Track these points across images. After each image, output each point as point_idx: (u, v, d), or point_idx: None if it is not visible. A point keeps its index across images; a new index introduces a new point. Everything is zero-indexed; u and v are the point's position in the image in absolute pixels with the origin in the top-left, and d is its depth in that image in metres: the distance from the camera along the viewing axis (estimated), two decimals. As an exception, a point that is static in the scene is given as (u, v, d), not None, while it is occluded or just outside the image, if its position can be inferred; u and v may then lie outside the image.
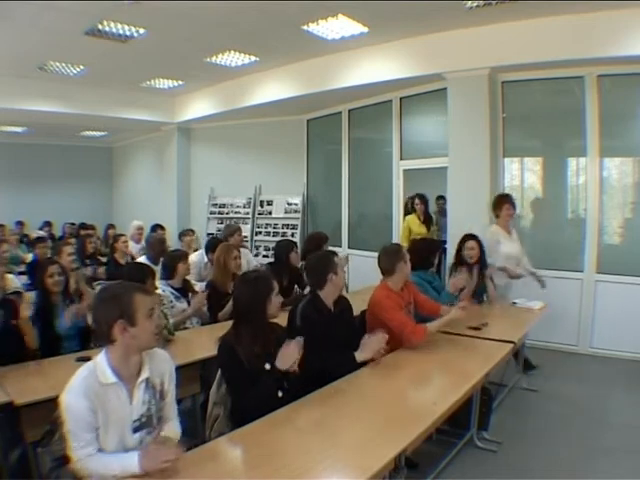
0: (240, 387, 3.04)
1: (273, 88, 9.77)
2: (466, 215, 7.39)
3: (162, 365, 2.65)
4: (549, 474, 4.14)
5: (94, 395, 2.32)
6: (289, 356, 3.13)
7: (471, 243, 5.87)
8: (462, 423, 4.51)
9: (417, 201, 8.41)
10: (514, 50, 7.10)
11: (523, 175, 8.07)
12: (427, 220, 8.42)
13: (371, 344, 3.66)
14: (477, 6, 6.44)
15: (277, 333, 3.36)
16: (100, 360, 2.44)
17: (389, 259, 4.46)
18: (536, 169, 8.09)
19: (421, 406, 3.17)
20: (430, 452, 4.21)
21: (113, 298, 2.44)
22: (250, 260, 7.15)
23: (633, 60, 6.67)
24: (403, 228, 8.35)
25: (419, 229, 7.98)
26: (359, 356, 3.62)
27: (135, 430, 2.47)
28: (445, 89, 7.87)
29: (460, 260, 5.86)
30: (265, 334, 3.22)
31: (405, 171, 9.04)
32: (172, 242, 9.78)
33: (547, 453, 4.47)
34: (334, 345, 3.66)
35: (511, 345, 4.38)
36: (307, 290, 4.95)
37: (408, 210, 8.59)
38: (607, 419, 5.20)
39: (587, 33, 6.66)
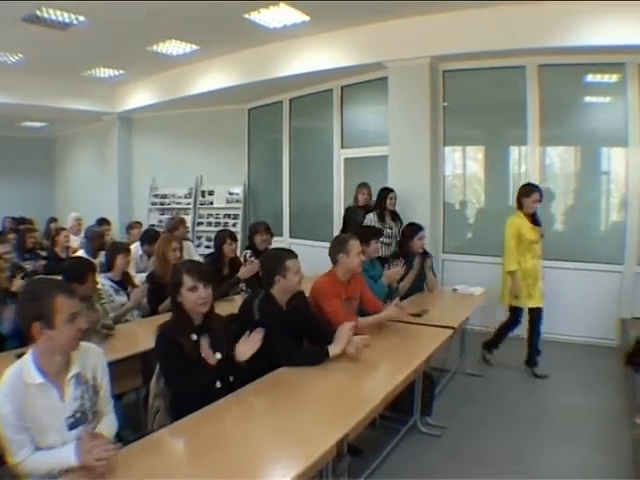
0: (176, 378, 3.00)
1: (215, 77, 9.72)
2: (406, 204, 7.43)
3: (93, 359, 2.62)
4: (492, 458, 4.20)
5: (19, 398, 2.28)
6: (248, 347, 3.15)
7: (423, 233, 5.95)
8: (405, 409, 4.55)
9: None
10: (455, 39, 7.17)
11: (465, 164, 8.17)
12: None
13: (343, 336, 3.60)
14: None
15: (216, 323, 3.33)
16: (27, 358, 2.40)
17: (333, 249, 4.46)
18: (478, 158, 8.21)
19: (362, 393, 3.17)
20: (374, 439, 4.25)
21: (33, 298, 2.40)
22: (192, 254, 7.10)
23: (573, 51, 6.85)
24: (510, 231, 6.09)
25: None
26: (333, 350, 3.55)
27: (71, 427, 2.43)
28: (386, 78, 7.90)
29: (404, 250, 5.90)
30: (188, 326, 3.17)
31: (346, 160, 9.09)
32: (117, 235, 9.67)
33: (491, 437, 4.54)
34: (290, 342, 3.63)
35: (451, 330, 4.43)
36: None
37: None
38: (550, 403, 5.32)
39: (528, 23, 6.77)
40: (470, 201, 8.21)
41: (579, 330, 7.03)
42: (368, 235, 5.28)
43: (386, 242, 6.77)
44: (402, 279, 5.58)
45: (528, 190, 5.89)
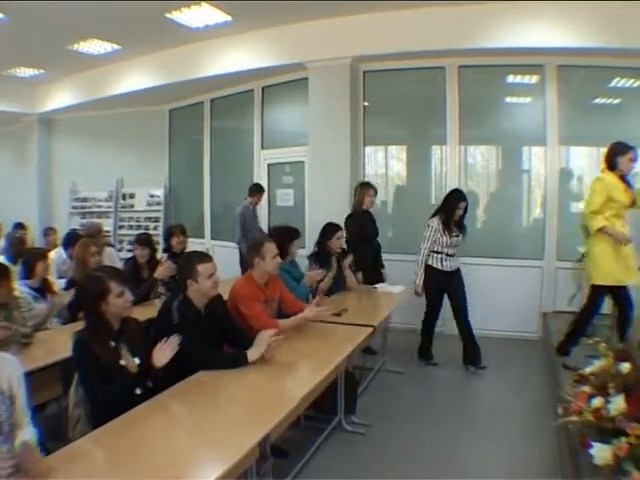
0: (95, 386, 2.95)
1: (136, 77, 9.58)
2: (326, 205, 7.50)
3: (8, 369, 2.53)
4: (418, 454, 4.25)
5: None
6: (165, 353, 3.13)
7: (341, 233, 5.99)
8: (329, 408, 4.57)
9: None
10: (376, 40, 7.25)
11: (387, 163, 8.25)
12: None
13: (263, 341, 3.55)
14: None
15: (133, 327, 3.30)
16: None
17: (249, 253, 4.47)
18: (400, 157, 8.30)
19: (282, 394, 3.16)
20: (299, 439, 4.26)
21: None
22: (114, 260, 6.95)
23: (493, 52, 7.05)
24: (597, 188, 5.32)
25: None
26: (251, 354, 3.52)
27: None
28: (307, 79, 7.94)
29: (323, 250, 5.92)
30: (108, 333, 3.14)
31: (270, 163, 9.12)
32: (35, 240, 9.43)
33: (415, 433, 4.60)
34: (208, 346, 3.59)
35: (370, 329, 4.46)
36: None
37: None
38: (477, 396, 5.49)
39: (448, 25, 6.93)
40: (392, 200, 8.30)
41: (504, 324, 7.22)
42: (287, 236, 5.27)
43: (449, 253, 6.11)
44: (321, 280, 5.57)
45: (622, 148, 5.23)
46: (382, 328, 5.69)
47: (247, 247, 4.56)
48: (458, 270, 6.22)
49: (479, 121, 7.68)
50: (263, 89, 9.03)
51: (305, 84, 7.98)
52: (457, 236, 6.10)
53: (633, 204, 5.26)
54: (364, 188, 6.79)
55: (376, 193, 6.83)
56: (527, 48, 6.91)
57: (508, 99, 7.79)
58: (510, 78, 7.67)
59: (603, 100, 7.63)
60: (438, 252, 6.06)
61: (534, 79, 7.51)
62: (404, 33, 7.12)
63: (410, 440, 4.49)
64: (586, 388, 3.27)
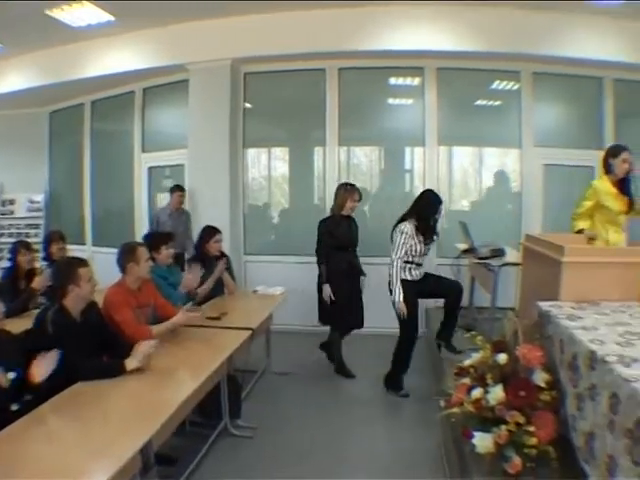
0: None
1: (16, 77, 9.14)
2: (206, 208, 7.43)
3: None
4: (306, 452, 4.27)
5: None
6: (43, 368, 3.01)
7: (220, 236, 5.88)
8: (214, 413, 4.50)
9: None
10: (256, 42, 7.24)
11: (270, 165, 8.20)
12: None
13: (141, 351, 3.47)
14: None
15: (3, 339, 3.15)
16: None
17: (122, 258, 4.32)
18: (282, 159, 8.26)
19: (162, 400, 3.07)
20: (186, 446, 4.18)
21: None
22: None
23: (372, 55, 7.18)
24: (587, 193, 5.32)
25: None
26: (130, 364, 3.42)
27: None
28: (188, 80, 7.84)
29: (202, 253, 5.80)
30: None
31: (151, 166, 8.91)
32: None
33: (302, 433, 4.60)
34: (86, 356, 3.44)
35: (249, 332, 4.46)
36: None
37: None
38: (366, 392, 5.51)
39: (328, 27, 6.99)
40: (274, 202, 8.26)
41: (391, 321, 7.28)
42: (158, 241, 5.10)
43: (419, 262, 5.59)
44: (200, 285, 5.45)
45: (614, 150, 5.14)
46: (264, 330, 5.70)
47: (119, 252, 4.36)
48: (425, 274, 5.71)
49: (361, 122, 7.76)
50: (144, 91, 8.78)
51: (187, 86, 7.87)
52: (428, 244, 5.58)
53: (629, 210, 5.10)
54: (348, 191, 6.02)
55: (360, 198, 6.13)
56: (407, 51, 7.09)
57: (390, 100, 7.92)
58: (392, 80, 7.80)
59: (484, 102, 7.94)
60: (409, 262, 5.47)
61: (415, 81, 7.67)
62: (284, 35, 7.15)
63: (297, 440, 4.49)
64: (466, 380, 3.32)
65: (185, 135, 7.95)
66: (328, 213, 6.15)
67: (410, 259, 5.41)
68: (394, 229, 5.49)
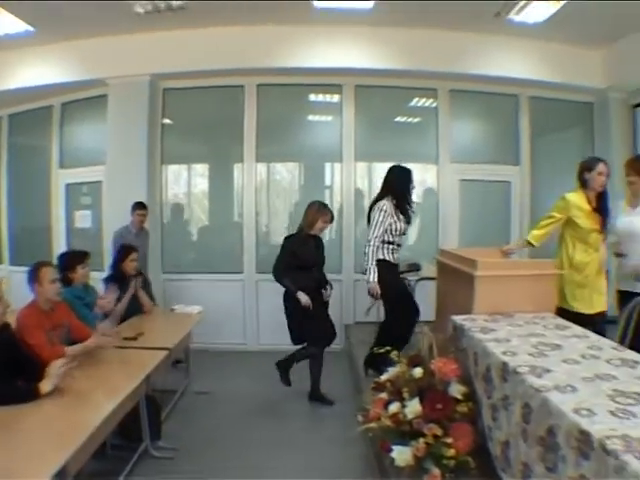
0: None
1: None
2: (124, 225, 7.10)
3: None
4: (230, 472, 4.17)
5: None
6: None
7: (135, 255, 5.75)
8: (135, 435, 4.35)
9: None
10: (175, 58, 7.17)
11: (190, 182, 8.10)
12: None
13: (54, 372, 3.32)
14: (146, 12, 6.30)
15: None
16: None
17: (28, 279, 4.12)
18: (202, 175, 8.17)
19: (77, 423, 2.95)
20: (107, 470, 4.03)
21: None
22: None
23: (291, 72, 7.23)
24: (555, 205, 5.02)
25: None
26: (44, 386, 3.26)
27: None
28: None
29: (119, 272, 5.67)
30: None
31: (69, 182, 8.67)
32: None
33: (226, 452, 4.53)
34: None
35: (166, 352, 4.37)
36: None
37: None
38: (288, 408, 5.47)
39: (247, 44, 6.99)
40: (194, 219, 8.15)
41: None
42: (73, 261, 4.88)
43: (400, 243, 5.50)
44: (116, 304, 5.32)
45: (589, 163, 4.89)
46: (183, 349, 5.64)
47: (27, 272, 4.20)
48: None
49: (281, 139, 7.77)
50: (63, 105, 8.55)
51: (106, 101, 7.69)
52: (408, 222, 5.44)
53: (602, 230, 4.81)
54: (320, 211, 5.67)
55: (332, 220, 5.83)
56: (325, 68, 7.16)
57: (310, 117, 7.97)
58: (312, 97, 7.85)
59: (403, 119, 8.06)
60: (389, 242, 5.32)
61: (335, 98, 7.73)
62: (203, 51, 7.10)
63: (221, 459, 4.41)
64: (383, 395, 3.34)
65: (104, 151, 7.77)
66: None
67: (391, 239, 5.31)
68: (371, 208, 5.42)
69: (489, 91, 7.84)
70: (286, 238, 5.77)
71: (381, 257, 5.25)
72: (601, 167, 4.78)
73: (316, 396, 5.62)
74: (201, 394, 5.86)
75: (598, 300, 4.78)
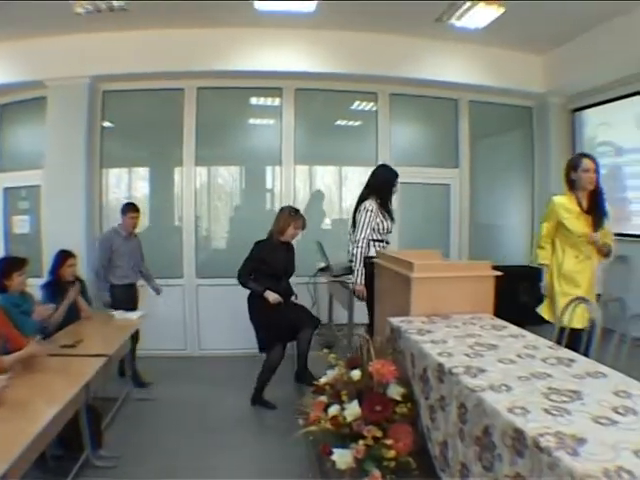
0: None
1: None
2: (62, 231, 7.04)
3: None
4: (169, 477, 4.17)
5: None
6: None
7: (74, 260, 5.63)
8: (76, 445, 4.26)
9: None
10: (115, 60, 7.07)
11: (131, 185, 7.99)
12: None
13: None
14: (86, 12, 6.21)
15: None
16: None
17: None
18: (142, 179, 8.07)
19: (14, 435, 2.87)
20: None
21: None
22: None
23: (232, 75, 7.24)
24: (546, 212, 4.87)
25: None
26: None
27: None
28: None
29: (57, 279, 5.54)
30: None
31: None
32: None
33: (168, 458, 4.50)
34: None
35: (105, 358, 4.31)
36: None
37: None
38: (225, 415, 5.44)
39: (186, 47, 6.96)
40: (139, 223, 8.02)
41: (249, 342, 7.21)
42: (9, 268, 4.78)
43: (388, 241, 5.61)
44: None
45: (573, 161, 4.64)
46: (125, 355, 5.57)
47: None
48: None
49: (222, 142, 7.75)
50: (1, 107, 8.33)
51: (45, 103, 7.53)
52: (393, 219, 5.54)
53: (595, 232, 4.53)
54: (292, 217, 5.64)
55: (304, 227, 5.80)
56: (265, 72, 7.17)
57: (251, 120, 7.96)
58: (253, 100, 7.84)
59: (344, 122, 8.10)
60: (378, 240, 5.39)
61: (276, 102, 7.75)
62: (143, 53, 7.02)
63: (164, 466, 4.37)
64: (323, 398, 3.34)
65: (43, 154, 7.61)
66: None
67: (379, 237, 5.40)
68: (356, 209, 5.48)
69: (429, 95, 7.98)
70: (256, 243, 5.71)
71: (369, 256, 5.27)
72: (586, 163, 4.52)
73: (259, 401, 5.60)
74: (143, 401, 5.80)
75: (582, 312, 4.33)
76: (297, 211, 5.75)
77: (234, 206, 7.87)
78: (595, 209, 4.54)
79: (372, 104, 7.93)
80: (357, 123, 8.11)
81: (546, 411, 2.16)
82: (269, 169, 7.82)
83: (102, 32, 6.94)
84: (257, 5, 6.20)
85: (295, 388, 5.90)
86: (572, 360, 2.84)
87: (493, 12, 6.32)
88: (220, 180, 7.84)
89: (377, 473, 2.93)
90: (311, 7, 6.27)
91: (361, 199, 5.52)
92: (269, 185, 7.87)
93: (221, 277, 7.18)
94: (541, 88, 8.01)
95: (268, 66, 7.09)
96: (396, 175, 5.57)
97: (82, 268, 6.06)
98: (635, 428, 2.00)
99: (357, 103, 8.01)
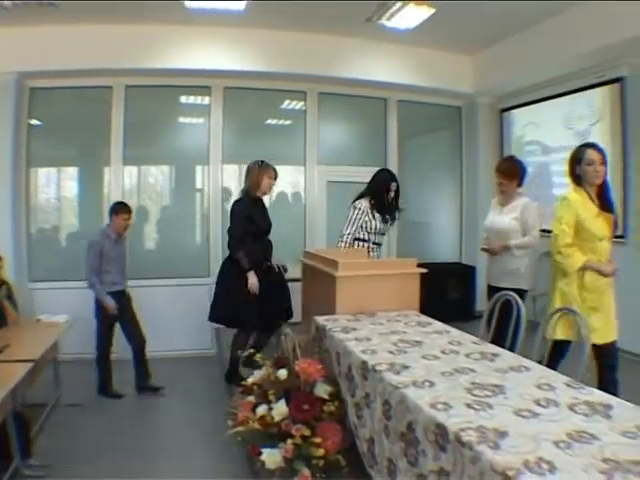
0: None
1: None
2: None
3: None
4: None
5: None
6: None
7: (2, 262, 5.52)
8: (3, 454, 4.15)
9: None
10: (43, 56, 6.86)
11: (59, 185, 7.78)
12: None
13: None
14: (14, 6, 6.02)
15: None
16: None
17: None
18: (71, 179, 7.86)
19: None
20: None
21: None
22: None
23: (161, 73, 7.20)
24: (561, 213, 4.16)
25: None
26: None
27: None
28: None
29: None
30: None
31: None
32: None
33: (102, 466, 4.39)
34: None
35: (31, 363, 4.18)
36: None
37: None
38: (162, 420, 5.41)
39: (115, 44, 6.84)
40: (65, 224, 7.80)
41: (179, 344, 7.21)
42: None
43: (377, 242, 5.62)
44: None
45: (577, 152, 4.16)
46: (51, 361, 5.45)
47: None
48: None
49: (151, 141, 7.66)
50: None
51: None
52: (387, 222, 5.59)
53: (613, 233, 4.20)
54: (263, 168, 5.51)
55: (276, 176, 5.69)
56: (193, 70, 7.11)
57: (181, 119, 7.89)
58: (182, 99, 7.76)
59: (274, 121, 8.14)
60: (364, 240, 5.45)
61: (205, 100, 7.69)
62: (71, 50, 6.84)
63: (95, 471, 4.27)
64: (251, 398, 3.35)
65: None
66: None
67: (366, 236, 5.50)
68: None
69: (358, 94, 8.05)
70: (236, 202, 5.64)
71: None
72: (590, 155, 4.04)
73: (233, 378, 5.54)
74: (73, 406, 5.67)
75: (613, 325, 4.10)
76: (264, 161, 5.63)
77: (163, 205, 7.79)
78: (608, 207, 4.12)
79: (302, 103, 7.97)
80: (287, 122, 8.14)
81: (468, 406, 2.21)
82: (198, 168, 7.77)
83: (30, 27, 6.74)
84: (188, 4, 6.15)
85: (226, 389, 5.86)
86: (496, 355, 2.90)
87: (423, 13, 6.39)
88: (151, 179, 7.74)
89: (307, 472, 2.96)
90: (241, 6, 6.24)
91: (356, 199, 5.66)
92: (199, 184, 7.81)
93: (160, 278, 7.24)
94: (470, 88, 8.18)
95: (197, 64, 7.03)
96: (393, 178, 5.67)
97: (9, 271, 5.87)
98: (556, 419, 2.06)
99: (287, 102, 8.05)
